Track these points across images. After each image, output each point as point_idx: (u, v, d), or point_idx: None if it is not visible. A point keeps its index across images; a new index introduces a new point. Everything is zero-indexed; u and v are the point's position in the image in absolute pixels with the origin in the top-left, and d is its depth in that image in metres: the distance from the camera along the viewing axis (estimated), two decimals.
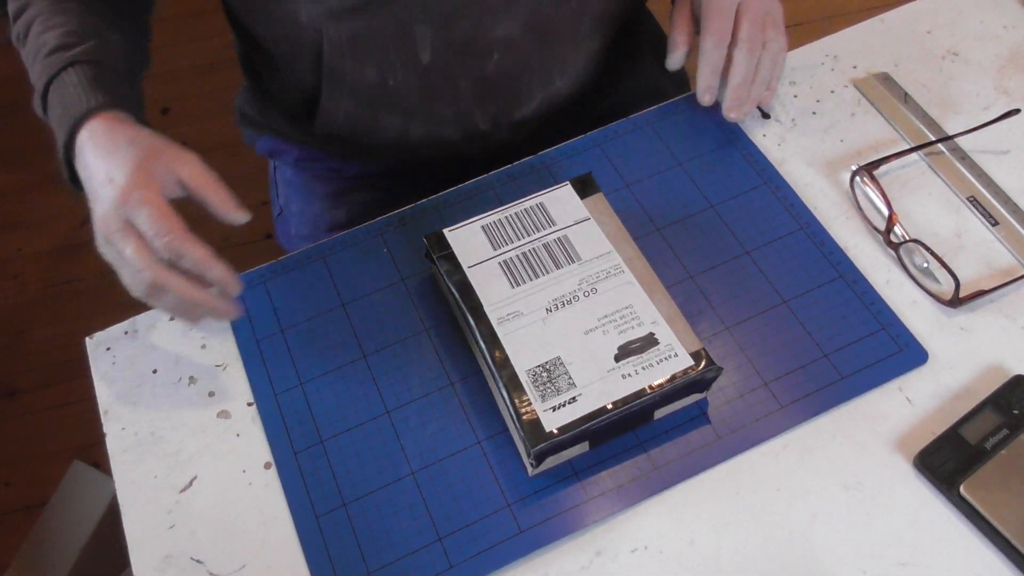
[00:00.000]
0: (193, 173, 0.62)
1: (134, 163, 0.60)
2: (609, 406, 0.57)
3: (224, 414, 0.65)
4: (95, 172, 0.61)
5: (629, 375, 0.59)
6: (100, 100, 0.63)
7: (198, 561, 0.59)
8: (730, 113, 0.73)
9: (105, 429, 0.65)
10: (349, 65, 0.75)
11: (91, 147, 0.62)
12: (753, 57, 0.71)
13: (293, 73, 0.80)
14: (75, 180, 0.65)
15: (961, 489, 0.57)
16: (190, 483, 0.62)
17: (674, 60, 0.75)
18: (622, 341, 0.60)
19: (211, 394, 0.66)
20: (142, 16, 0.76)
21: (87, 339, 0.69)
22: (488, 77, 0.77)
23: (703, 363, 0.59)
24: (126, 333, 0.69)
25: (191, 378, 0.67)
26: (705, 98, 0.74)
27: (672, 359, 0.59)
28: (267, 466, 0.62)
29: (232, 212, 0.63)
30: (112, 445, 0.64)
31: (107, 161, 0.61)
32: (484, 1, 0.73)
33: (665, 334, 0.60)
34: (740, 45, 0.70)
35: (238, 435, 0.64)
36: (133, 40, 0.72)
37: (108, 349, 0.68)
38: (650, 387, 0.58)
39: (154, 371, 0.67)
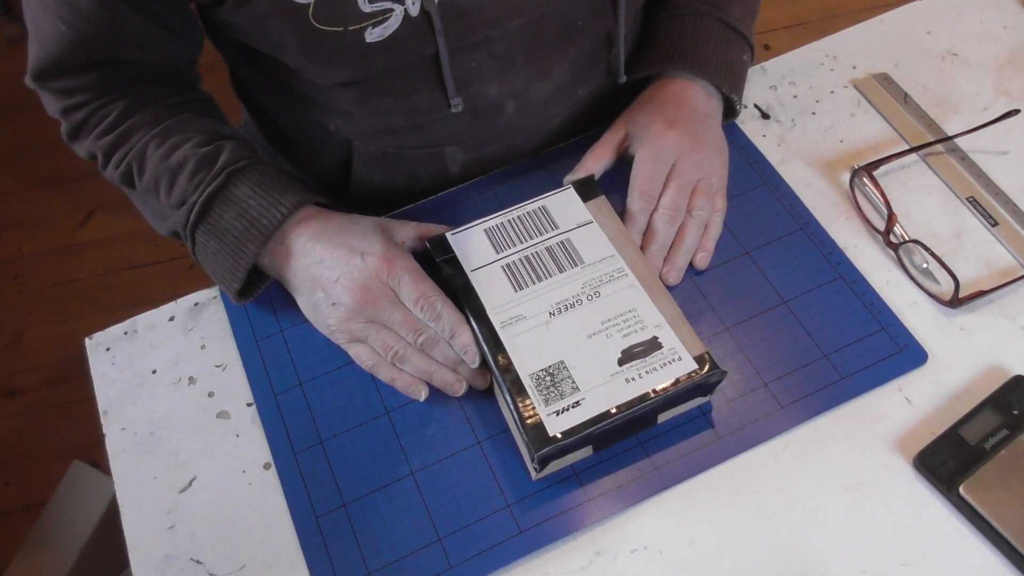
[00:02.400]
0: (421, 229, 0.67)
1: (378, 236, 0.64)
2: (613, 410, 0.57)
3: (224, 414, 0.65)
4: (331, 256, 0.63)
5: (633, 379, 0.58)
6: (290, 201, 0.63)
7: (198, 561, 0.59)
8: (665, 277, 0.68)
9: (105, 429, 0.65)
10: (378, 175, 0.76)
11: (311, 241, 0.63)
12: (672, 224, 0.67)
13: (318, 165, 0.81)
14: (245, 292, 0.66)
15: (961, 489, 0.57)
16: (190, 483, 0.62)
17: (569, 177, 0.71)
18: (625, 345, 0.60)
19: (211, 394, 0.66)
20: (209, 98, 0.75)
21: (87, 339, 0.69)
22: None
23: (707, 367, 0.59)
24: (126, 333, 0.69)
25: (191, 378, 0.67)
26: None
27: (676, 363, 0.59)
28: (266, 466, 0.62)
29: None
30: (112, 445, 0.64)
31: (345, 241, 0.63)
32: (518, 126, 0.74)
33: (669, 338, 0.60)
34: (660, 211, 0.68)
35: (238, 435, 0.64)
36: (227, 120, 0.73)
37: (108, 349, 0.68)
38: (654, 391, 0.58)
39: (154, 371, 0.67)
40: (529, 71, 0.69)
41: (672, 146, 0.69)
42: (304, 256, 0.64)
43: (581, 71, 0.73)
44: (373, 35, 0.61)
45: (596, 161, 0.71)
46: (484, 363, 0.62)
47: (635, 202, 0.68)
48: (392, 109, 0.69)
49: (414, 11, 0.61)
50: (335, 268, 0.63)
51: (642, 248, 0.68)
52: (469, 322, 0.62)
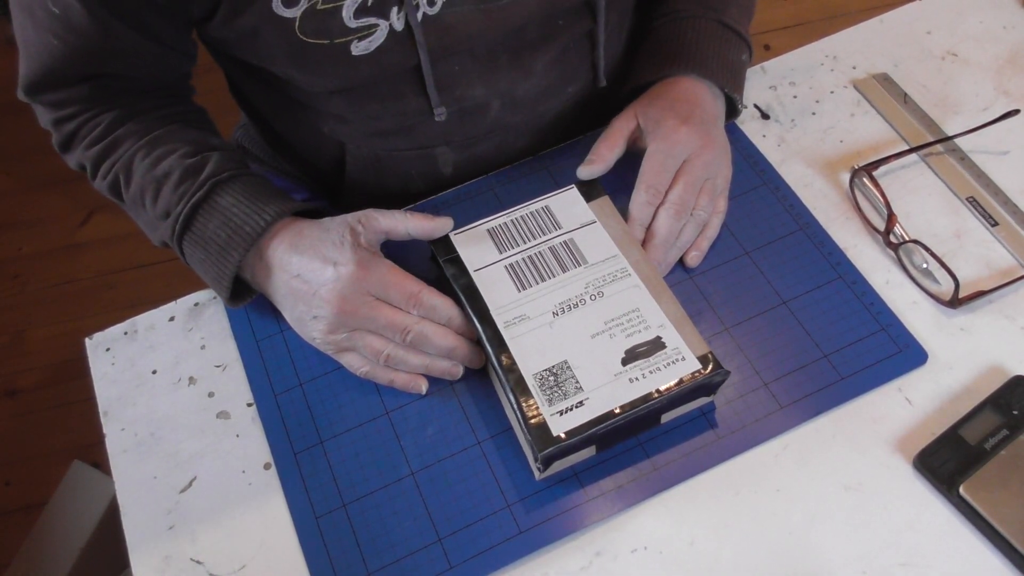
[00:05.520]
0: (388, 222, 0.64)
1: (348, 242, 0.62)
2: (617, 410, 0.57)
3: (224, 415, 0.65)
4: (306, 268, 0.62)
5: (636, 379, 0.58)
6: (274, 210, 0.63)
7: (198, 562, 0.59)
8: None
9: (105, 430, 0.65)
10: (372, 177, 0.76)
11: (287, 254, 0.63)
12: (678, 221, 0.67)
13: (313, 166, 0.80)
14: (237, 298, 0.66)
15: (961, 489, 0.57)
16: (190, 483, 0.62)
17: (584, 172, 0.69)
18: (629, 345, 0.60)
19: (211, 395, 0.66)
20: (201, 110, 0.75)
21: (87, 339, 0.69)
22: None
23: (711, 366, 0.59)
24: (126, 333, 0.69)
25: (191, 378, 0.67)
26: None
27: (679, 363, 0.59)
28: (267, 466, 0.62)
29: (437, 227, 0.65)
30: (112, 445, 0.64)
31: (317, 252, 0.62)
32: (506, 124, 0.74)
33: (672, 337, 0.60)
34: (667, 206, 0.67)
35: (238, 435, 0.64)
36: (217, 131, 0.73)
37: (108, 349, 0.68)
38: (657, 391, 0.58)
39: (154, 371, 0.67)
40: (512, 71, 0.69)
41: (685, 142, 0.68)
42: (282, 271, 0.63)
43: (567, 70, 0.73)
44: (359, 48, 0.61)
45: (609, 150, 0.69)
46: (479, 345, 0.62)
47: (641, 194, 0.67)
48: (381, 113, 0.69)
49: (399, 26, 0.61)
50: (311, 281, 0.62)
51: (643, 243, 0.67)
52: (474, 324, 0.62)
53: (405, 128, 0.71)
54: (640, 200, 0.67)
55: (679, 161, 0.68)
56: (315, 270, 0.62)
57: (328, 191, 0.83)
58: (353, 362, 0.64)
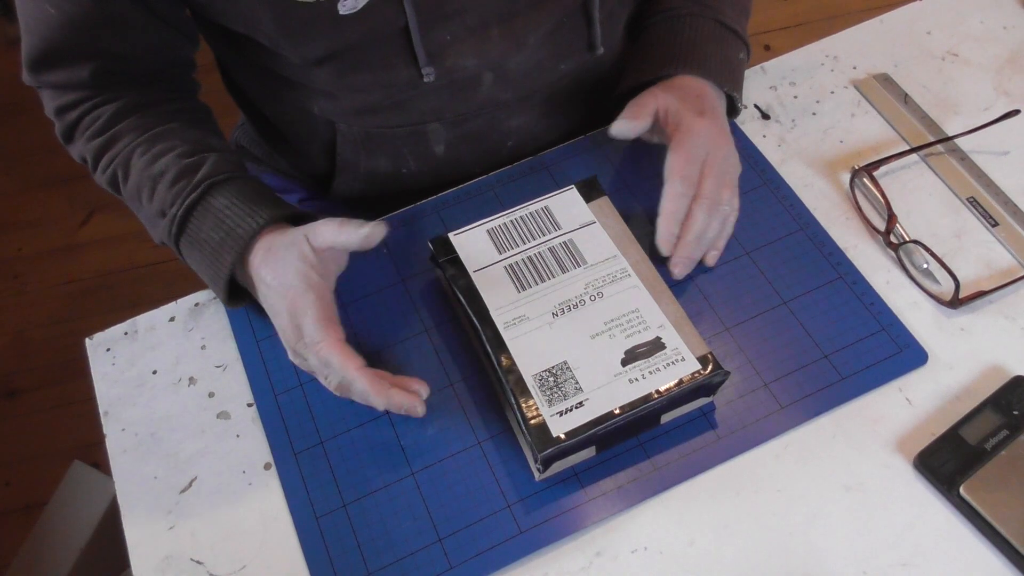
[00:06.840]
0: (326, 239, 0.61)
1: (293, 261, 0.60)
2: (616, 411, 0.57)
3: (224, 415, 0.65)
4: (267, 289, 0.61)
5: (636, 379, 0.58)
6: (268, 214, 0.62)
7: (198, 562, 0.59)
8: (674, 269, 0.67)
9: (105, 430, 0.65)
10: (363, 157, 0.76)
11: (262, 266, 0.62)
12: (710, 216, 0.66)
13: (305, 153, 0.80)
14: (235, 298, 0.66)
15: (961, 490, 0.57)
16: (190, 484, 0.62)
17: (619, 128, 0.66)
18: (629, 345, 0.60)
19: (211, 395, 0.66)
20: (205, 108, 0.75)
21: (87, 339, 0.69)
22: (502, 159, 0.77)
23: (710, 367, 0.59)
24: (126, 333, 0.69)
25: (191, 379, 0.67)
26: (666, 248, 0.67)
27: (679, 363, 0.59)
28: (267, 467, 0.62)
29: (366, 236, 0.61)
30: (112, 445, 0.64)
31: (280, 266, 0.61)
32: (498, 100, 0.73)
33: (672, 338, 0.60)
34: (701, 200, 0.65)
35: (238, 436, 0.64)
36: (219, 132, 0.72)
37: (108, 349, 0.68)
38: (657, 391, 0.58)
39: (154, 371, 0.67)
40: (504, 41, 0.68)
41: (706, 135, 0.67)
42: (260, 282, 0.62)
43: (561, 45, 0.72)
44: (346, 7, 0.61)
45: (637, 116, 0.67)
46: (477, 358, 0.62)
47: (676, 185, 0.65)
48: (371, 85, 0.69)
49: None
50: (272, 304, 0.62)
51: (678, 237, 0.66)
52: (474, 325, 0.62)
53: (396, 103, 0.71)
54: (676, 192, 0.65)
55: (703, 153, 0.67)
56: (272, 291, 0.61)
57: (321, 182, 0.82)
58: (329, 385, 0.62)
